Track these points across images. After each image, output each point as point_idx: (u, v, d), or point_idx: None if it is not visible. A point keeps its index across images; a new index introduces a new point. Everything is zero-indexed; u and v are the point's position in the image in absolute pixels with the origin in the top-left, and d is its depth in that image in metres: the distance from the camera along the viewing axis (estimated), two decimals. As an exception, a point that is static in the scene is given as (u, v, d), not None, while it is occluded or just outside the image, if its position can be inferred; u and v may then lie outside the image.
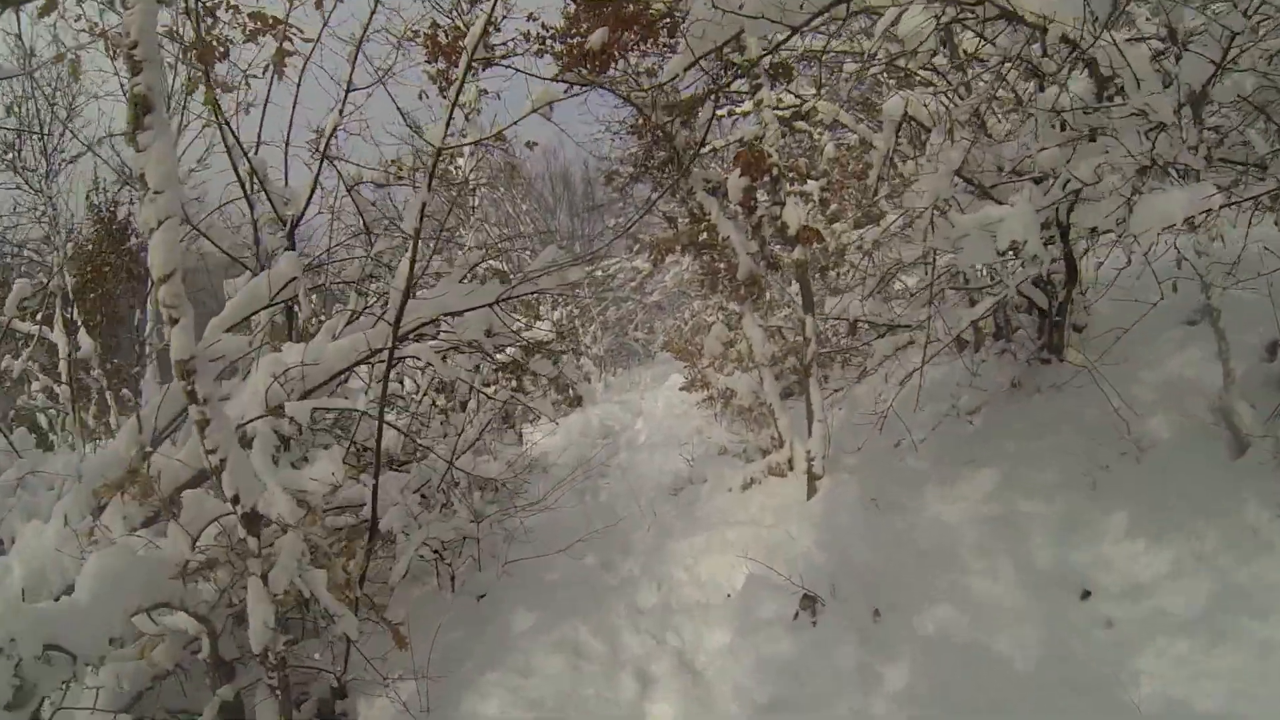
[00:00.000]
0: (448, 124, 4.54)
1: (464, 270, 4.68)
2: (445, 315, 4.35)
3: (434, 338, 4.59)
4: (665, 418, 11.98)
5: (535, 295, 4.58)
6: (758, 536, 5.49)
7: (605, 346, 24.03)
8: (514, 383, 12.87)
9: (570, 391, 13.05)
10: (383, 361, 4.38)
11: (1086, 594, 4.20)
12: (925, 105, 4.35)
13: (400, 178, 8.74)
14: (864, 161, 10.03)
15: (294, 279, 4.67)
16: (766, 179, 5.81)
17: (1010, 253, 3.18)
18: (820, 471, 5.86)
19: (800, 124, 9.14)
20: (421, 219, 4.19)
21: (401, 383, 7.76)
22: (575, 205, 28.14)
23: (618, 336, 26.15)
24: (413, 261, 4.17)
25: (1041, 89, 4.22)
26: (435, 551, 5.86)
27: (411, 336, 4.35)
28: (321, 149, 6.23)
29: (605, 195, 26.55)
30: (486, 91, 9.22)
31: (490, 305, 4.42)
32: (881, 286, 6.59)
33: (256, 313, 4.84)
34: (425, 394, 6.33)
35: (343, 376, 4.42)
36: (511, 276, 5.55)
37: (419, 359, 4.43)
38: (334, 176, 6.25)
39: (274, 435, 4.07)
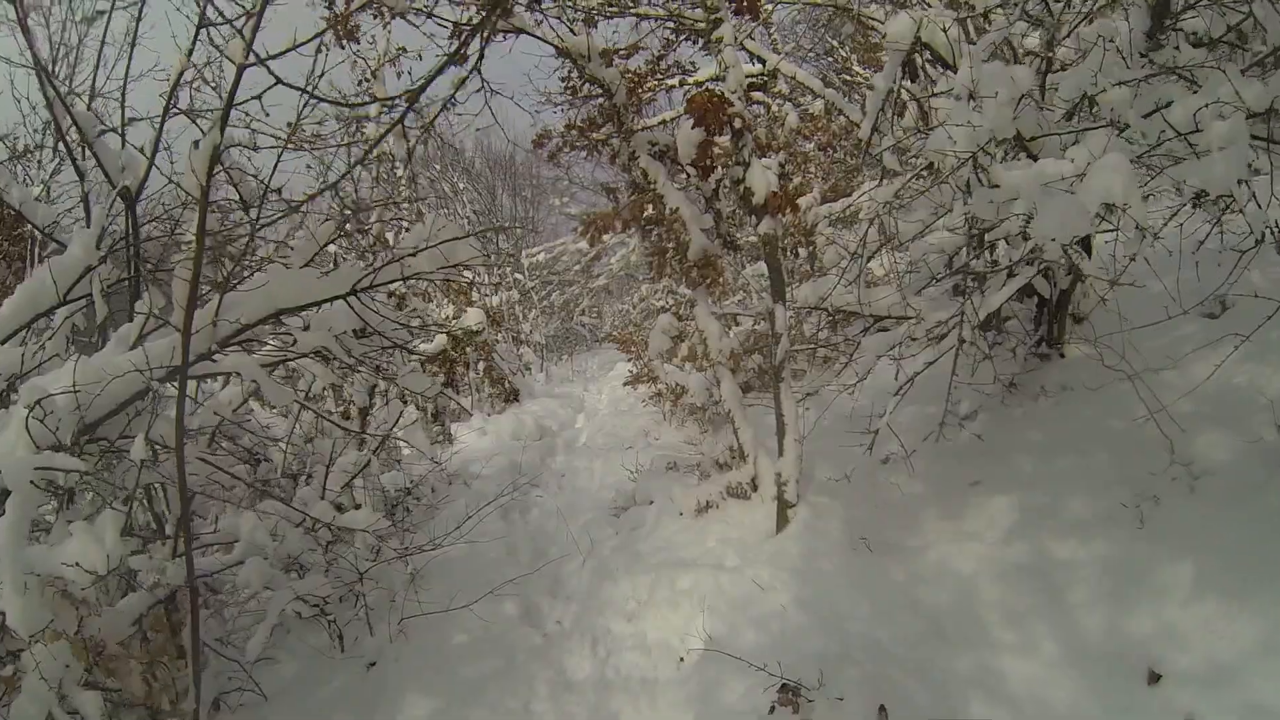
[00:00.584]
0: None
1: (309, 251, 3.43)
2: (284, 314, 3.12)
3: (282, 339, 3.35)
4: (610, 415, 10.83)
5: (420, 280, 3.35)
6: (718, 585, 4.38)
7: (548, 333, 22.78)
8: (442, 376, 11.62)
9: (505, 385, 11.82)
10: (200, 377, 3.14)
11: (1156, 677, 3.18)
12: (944, 28, 3.24)
13: (296, 144, 7.43)
14: (831, 131, 9.01)
15: (90, 268, 3.41)
16: (726, 132, 4.66)
17: (1100, 220, 2.08)
18: (794, 498, 4.77)
19: (757, 95, 8.10)
20: (210, 177, 2.94)
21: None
22: (518, 187, 26.73)
23: (564, 322, 24.90)
24: (199, 241, 2.93)
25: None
26: (317, 605, 4.64)
27: (233, 344, 3.11)
28: (167, 101, 4.92)
29: (548, 173, 25.33)
30: (405, 50, 7.93)
31: (347, 296, 3.19)
32: (869, 269, 5.54)
33: (44, 315, 3.56)
34: (302, 409, 5.07)
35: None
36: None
37: (241, 374, 3.18)
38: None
39: (36, 492, 2.81)
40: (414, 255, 3.20)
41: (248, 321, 3.09)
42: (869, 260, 4.51)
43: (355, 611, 4.78)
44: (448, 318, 11.10)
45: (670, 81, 7.20)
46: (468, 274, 12.74)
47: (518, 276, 17.55)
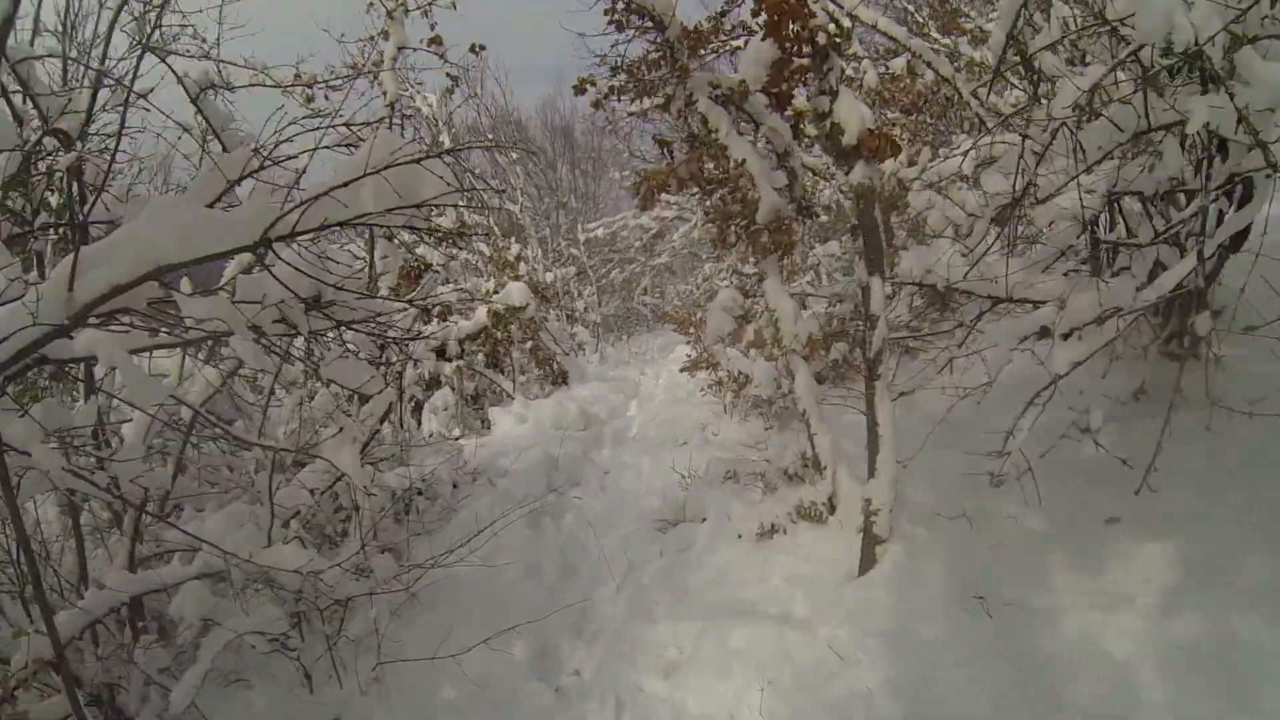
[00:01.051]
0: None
1: (214, 186, 2.43)
2: (168, 271, 2.15)
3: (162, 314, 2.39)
4: (666, 403, 9.80)
5: (360, 224, 2.33)
6: (782, 647, 3.33)
7: (606, 312, 21.83)
8: (485, 354, 10.76)
9: (552, 366, 10.89)
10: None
11: None
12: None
13: (305, 84, 6.56)
14: (916, 91, 7.85)
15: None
16: (807, 49, 3.55)
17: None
18: (885, 532, 3.68)
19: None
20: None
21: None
22: (577, 159, 25.79)
23: (624, 301, 23.94)
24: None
25: None
26: (276, 639, 3.74)
27: (97, 316, 2.15)
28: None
29: (608, 145, 24.30)
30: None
31: (256, 248, 2.19)
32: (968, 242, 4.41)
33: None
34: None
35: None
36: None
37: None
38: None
39: None
40: (347, 187, 2.20)
41: (119, 283, 2.14)
42: (998, 223, 3.37)
43: (330, 645, 3.88)
44: (489, 292, 10.21)
45: (736, 43, 6.13)
46: (515, 247, 11.84)
47: (574, 252, 16.60)
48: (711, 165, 5.00)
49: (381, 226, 2.56)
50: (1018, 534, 3.70)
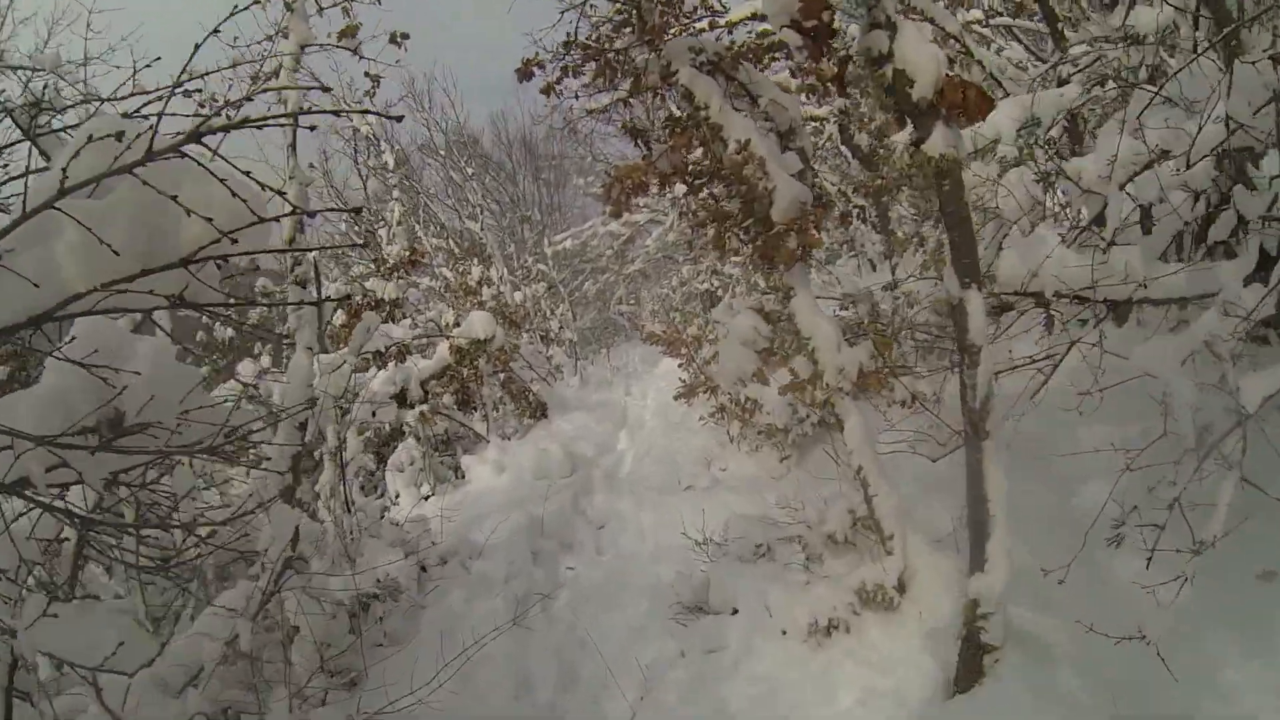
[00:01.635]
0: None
1: None
2: None
3: None
4: (659, 429, 8.74)
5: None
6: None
7: (583, 326, 20.78)
8: (453, 393, 9.65)
9: (529, 399, 9.80)
10: None
11: None
12: None
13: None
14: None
15: None
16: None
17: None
18: (999, 639, 2.65)
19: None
20: None
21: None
22: (538, 169, 24.67)
23: (600, 312, 22.90)
24: None
25: None
26: None
27: None
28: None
29: (571, 152, 23.21)
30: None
31: None
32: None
33: None
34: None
35: None
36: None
37: None
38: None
39: None
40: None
41: None
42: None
43: None
44: (449, 325, 9.12)
45: (699, 25, 5.15)
46: (476, 270, 10.73)
47: (542, 268, 15.53)
48: (699, 153, 3.97)
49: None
50: (1155, 612, 2.68)
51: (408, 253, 8.96)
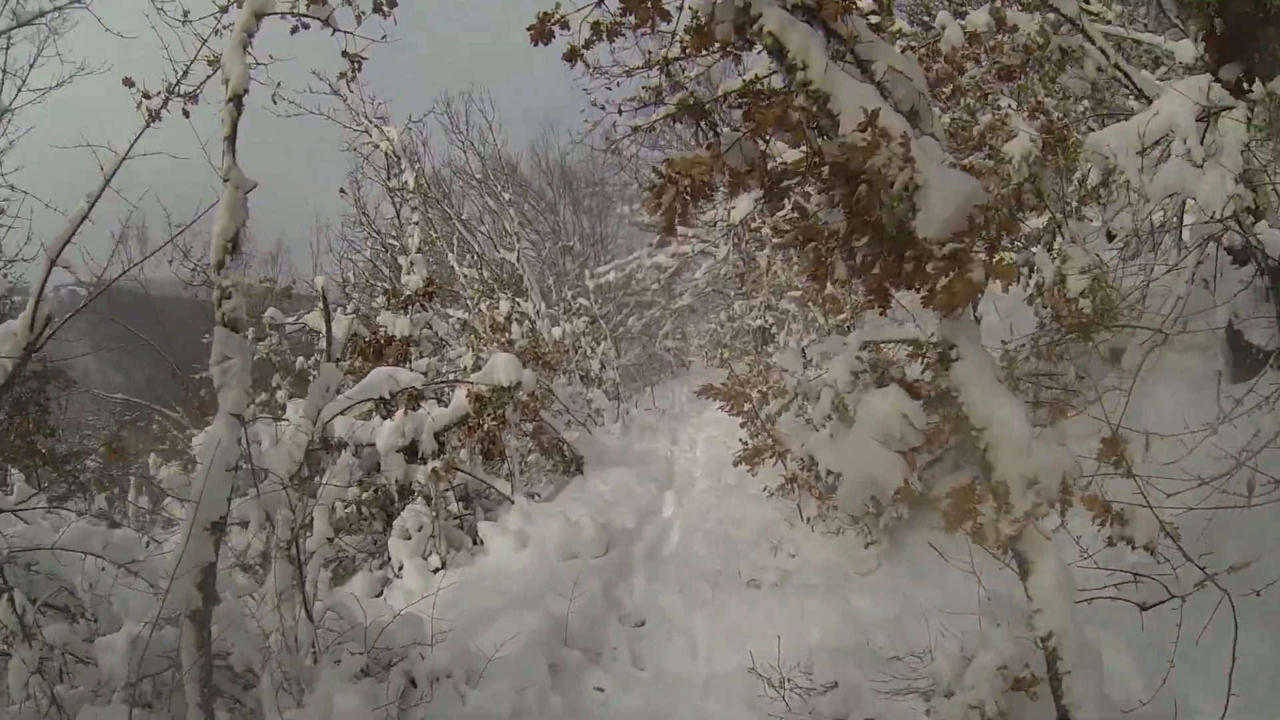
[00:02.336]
0: None
1: None
2: None
3: None
4: (711, 492, 7.43)
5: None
6: None
7: (625, 363, 19.56)
8: (474, 448, 8.45)
9: (563, 452, 8.55)
10: None
11: None
12: None
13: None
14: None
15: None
16: None
17: None
18: None
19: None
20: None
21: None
22: (579, 198, 23.68)
23: (645, 347, 21.69)
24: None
25: None
26: None
27: None
28: None
29: (614, 181, 22.18)
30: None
31: None
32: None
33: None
34: None
35: None
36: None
37: None
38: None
39: None
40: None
41: None
42: None
43: None
44: (466, 369, 7.95)
45: None
46: (505, 304, 9.55)
47: (583, 301, 14.37)
48: (786, 140, 2.73)
49: None
50: None
51: (424, 284, 7.84)
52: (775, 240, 3.32)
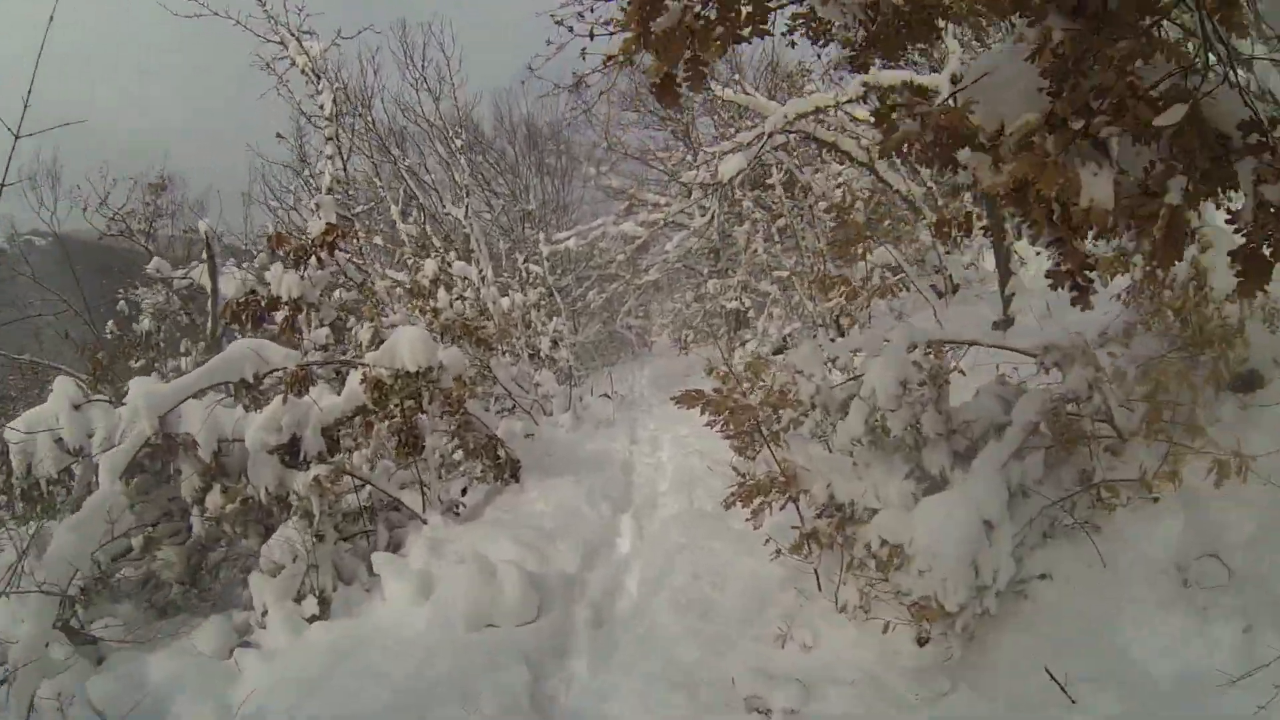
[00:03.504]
0: None
1: None
2: None
3: None
4: (681, 521, 5.72)
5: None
6: None
7: (583, 340, 17.78)
8: (380, 446, 6.60)
9: (495, 454, 6.73)
10: None
11: None
12: None
13: None
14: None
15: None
16: None
17: None
18: None
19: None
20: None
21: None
22: (542, 161, 21.66)
23: (605, 324, 19.92)
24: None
25: None
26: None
27: None
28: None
29: (582, 137, 20.25)
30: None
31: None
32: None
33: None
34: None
35: None
36: None
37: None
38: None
39: None
40: None
41: None
42: None
43: None
44: (360, 345, 6.11)
45: None
46: (430, 265, 7.61)
47: (535, 269, 12.51)
48: None
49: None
50: None
51: (323, 231, 5.95)
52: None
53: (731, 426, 3.95)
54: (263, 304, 5.96)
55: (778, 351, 12.34)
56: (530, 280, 13.62)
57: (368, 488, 5.91)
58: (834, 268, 11.94)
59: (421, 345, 4.99)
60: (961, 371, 4.22)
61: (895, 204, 9.05)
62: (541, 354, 10.93)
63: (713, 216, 10.75)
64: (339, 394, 5.75)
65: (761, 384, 4.76)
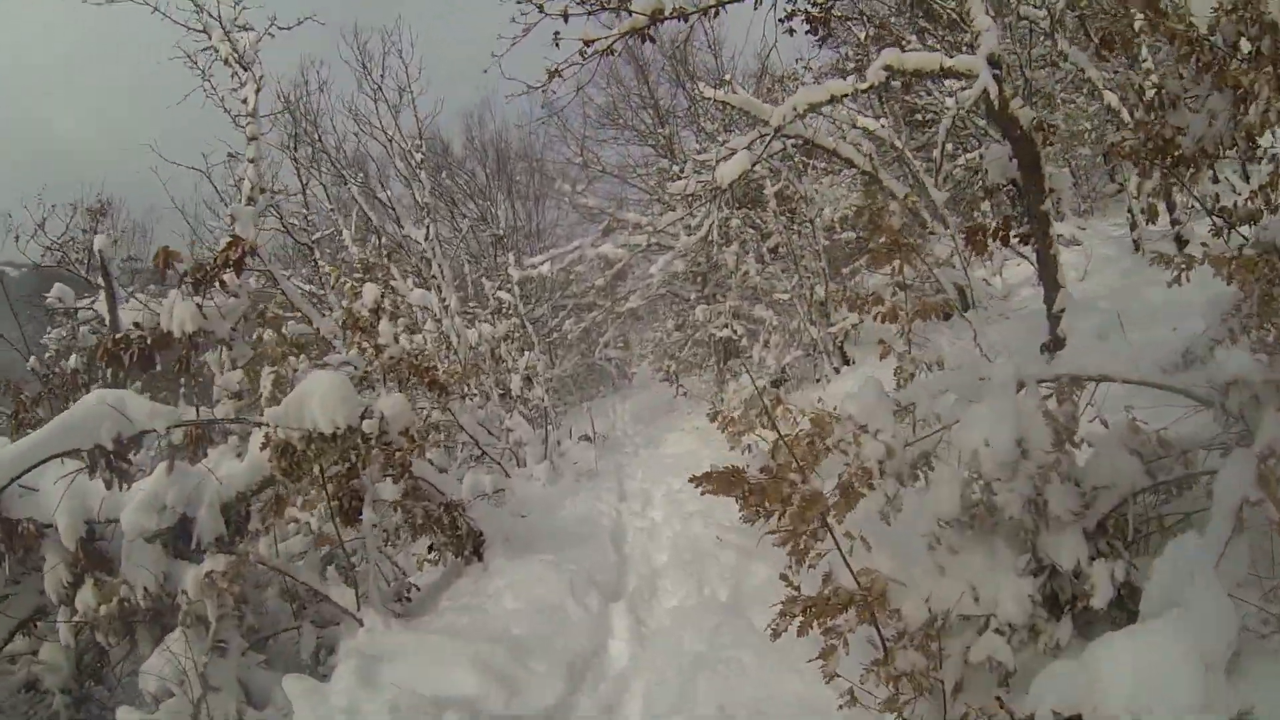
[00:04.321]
0: None
1: None
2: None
3: None
4: (693, 625, 4.42)
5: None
6: None
7: (561, 373, 16.47)
8: (317, 516, 5.08)
9: (457, 524, 5.38)
10: None
11: None
12: None
13: None
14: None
15: None
16: None
17: None
18: None
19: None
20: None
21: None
22: (516, 187, 20.48)
23: (584, 355, 18.61)
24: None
25: None
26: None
27: None
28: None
29: (555, 155, 19.11)
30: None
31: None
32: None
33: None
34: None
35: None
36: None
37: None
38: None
39: None
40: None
41: None
42: None
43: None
44: (261, 397, 4.79)
45: None
46: (370, 292, 6.17)
47: (504, 295, 11.23)
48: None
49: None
50: None
51: (226, 248, 4.64)
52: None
53: (788, 522, 2.67)
54: (149, 342, 4.62)
55: (776, 384, 11.12)
56: (503, 310, 12.32)
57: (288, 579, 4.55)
58: (838, 285, 10.78)
59: (338, 398, 3.71)
60: (1104, 423, 2.99)
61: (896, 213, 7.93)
62: (513, 393, 9.61)
63: (710, 229, 9.53)
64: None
65: (817, 442, 3.49)
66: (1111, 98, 7.79)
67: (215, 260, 4.71)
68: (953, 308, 5.66)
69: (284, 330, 5.10)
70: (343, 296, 5.35)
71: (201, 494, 4.25)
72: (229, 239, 4.63)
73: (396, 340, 5.30)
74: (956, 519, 2.94)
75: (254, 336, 5.43)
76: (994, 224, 6.59)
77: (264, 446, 3.84)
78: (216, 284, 4.72)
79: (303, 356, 4.93)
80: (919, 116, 12.98)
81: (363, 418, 4.69)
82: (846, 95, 6.23)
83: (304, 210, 13.63)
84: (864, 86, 6.24)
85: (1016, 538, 2.94)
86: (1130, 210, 8.21)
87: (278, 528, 4.51)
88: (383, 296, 5.35)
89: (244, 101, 6.38)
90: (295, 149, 13.10)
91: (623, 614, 4.65)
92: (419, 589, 5.24)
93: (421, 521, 4.82)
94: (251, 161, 6.01)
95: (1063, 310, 6.52)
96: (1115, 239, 9.79)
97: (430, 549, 5.19)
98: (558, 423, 10.00)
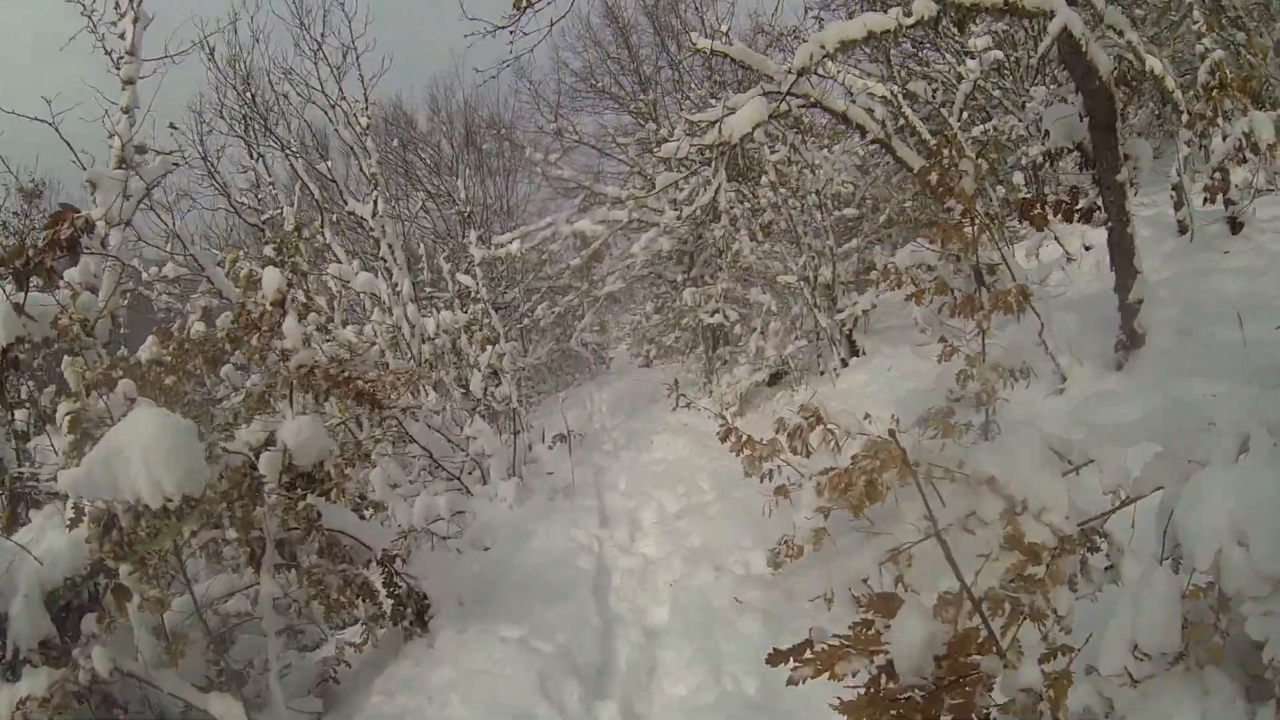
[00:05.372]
0: None
1: None
2: None
3: None
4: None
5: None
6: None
7: (534, 361, 15.14)
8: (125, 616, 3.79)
9: (395, 584, 4.10)
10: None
11: None
12: None
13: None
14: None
15: None
16: None
17: None
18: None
19: None
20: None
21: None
22: (485, 160, 19.02)
23: (559, 341, 17.27)
24: None
25: None
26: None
27: None
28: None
29: (527, 126, 17.68)
30: None
31: None
32: None
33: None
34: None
35: None
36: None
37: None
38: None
39: None
40: None
41: None
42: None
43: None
44: (58, 453, 3.46)
45: None
46: (272, 280, 4.78)
47: (463, 279, 9.86)
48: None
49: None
50: None
51: (49, 224, 3.30)
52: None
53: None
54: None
55: (774, 379, 9.88)
56: (471, 295, 10.95)
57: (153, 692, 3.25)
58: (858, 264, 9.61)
59: (174, 453, 2.41)
60: None
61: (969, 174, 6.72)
62: (474, 394, 8.29)
63: (716, 192, 8.23)
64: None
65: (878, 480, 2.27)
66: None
67: (42, 242, 3.36)
68: (1029, 296, 4.43)
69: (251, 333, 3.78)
70: (237, 286, 4.01)
71: (15, 584, 2.93)
72: (55, 211, 3.28)
73: (308, 343, 3.98)
74: (1161, 650, 1.82)
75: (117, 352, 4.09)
76: (1053, 198, 5.46)
77: (73, 522, 2.55)
78: (43, 275, 3.37)
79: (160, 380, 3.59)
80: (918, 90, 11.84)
81: (259, 452, 3.42)
82: (889, 31, 4.97)
83: (254, 188, 12.25)
84: (910, 22, 4.99)
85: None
86: (1176, 188, 7.02)
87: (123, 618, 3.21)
88: (290, 285, 4.02)
89: (121, 36, 4.99)
90: (242, 120, 11.69)
91: (613, 712, 3.40)
92: (343, 671, 3.97)
93: (335, 597, 3.53)
94: (125, 112, 4.65)
95: (1140, 301, 5.37)
96: (1146, 219, 8.65)
97: (367, 624, 3.91)
98: (528, 424, 8.72)
